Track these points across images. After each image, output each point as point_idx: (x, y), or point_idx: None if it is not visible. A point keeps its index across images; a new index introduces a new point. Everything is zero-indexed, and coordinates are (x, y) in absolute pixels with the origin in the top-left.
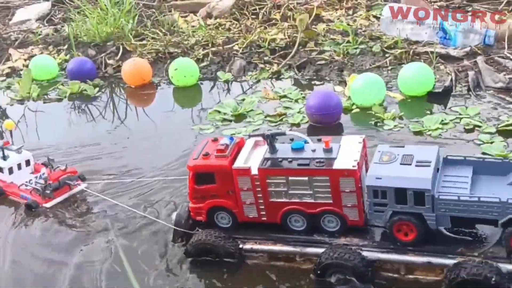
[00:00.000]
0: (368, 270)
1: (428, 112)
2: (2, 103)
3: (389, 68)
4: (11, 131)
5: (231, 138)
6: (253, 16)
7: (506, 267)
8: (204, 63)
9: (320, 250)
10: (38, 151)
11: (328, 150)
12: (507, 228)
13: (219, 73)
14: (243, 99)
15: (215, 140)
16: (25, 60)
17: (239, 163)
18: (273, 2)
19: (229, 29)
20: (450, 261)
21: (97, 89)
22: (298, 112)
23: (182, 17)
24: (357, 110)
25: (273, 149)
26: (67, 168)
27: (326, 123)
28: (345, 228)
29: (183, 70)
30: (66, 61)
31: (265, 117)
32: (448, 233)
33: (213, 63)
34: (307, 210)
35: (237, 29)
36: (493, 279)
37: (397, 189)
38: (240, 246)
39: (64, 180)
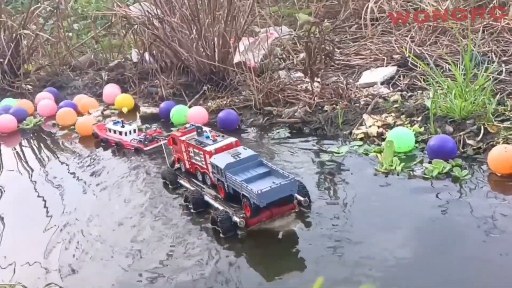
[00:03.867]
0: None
1: None
2: (364, 172)
3: None
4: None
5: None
6: None
7: (235, 218)
8: None
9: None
10: None
11: (214, 140)
12: (243, 199)
13: None
14: None
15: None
16: (378, 127)
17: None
18: None
19: None
20: (221, 208)
21: (465, 171)
22: None
23: None
24: None
25: (198, 135)
26: (156, 129)
27: None
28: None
29: None
30: (421, 133)
31: None
32: None
33: None
34: (200, 169)
35: None
36: (219, 219)
37: (216, 165)
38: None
39: (154, 136)
